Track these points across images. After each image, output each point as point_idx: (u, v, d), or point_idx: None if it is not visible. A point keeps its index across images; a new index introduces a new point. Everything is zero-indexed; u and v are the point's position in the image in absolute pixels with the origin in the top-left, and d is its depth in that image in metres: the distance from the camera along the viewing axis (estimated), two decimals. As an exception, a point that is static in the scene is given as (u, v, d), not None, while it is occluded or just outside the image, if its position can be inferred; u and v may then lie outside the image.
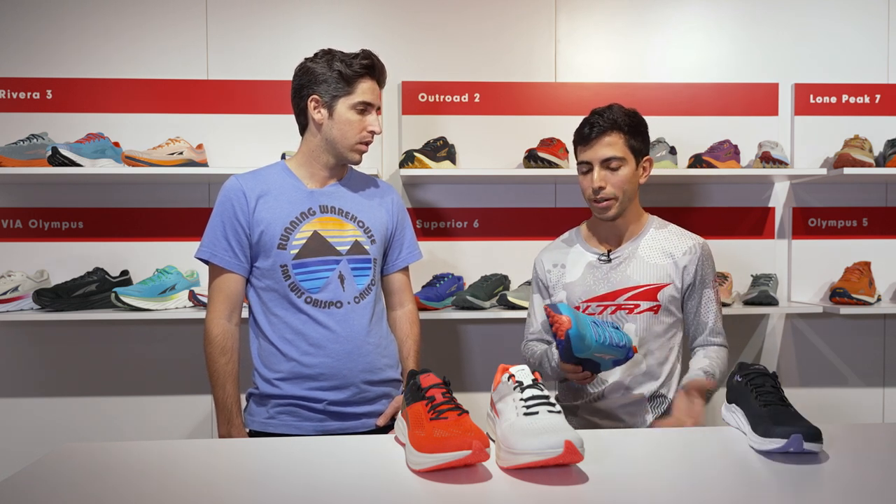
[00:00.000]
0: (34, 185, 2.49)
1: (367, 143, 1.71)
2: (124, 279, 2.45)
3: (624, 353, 1.51)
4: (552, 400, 1.17)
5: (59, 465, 1.16)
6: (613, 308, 1.72)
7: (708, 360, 1.71)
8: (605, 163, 1.70)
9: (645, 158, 1.77)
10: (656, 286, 1.72)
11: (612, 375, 1.71)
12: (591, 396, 1.74)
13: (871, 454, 1.23)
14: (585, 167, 1.74)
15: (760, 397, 1.27)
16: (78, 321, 2.50)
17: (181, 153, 2.34)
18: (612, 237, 1.79)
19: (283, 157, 2.29)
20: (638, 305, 1.71)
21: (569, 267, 1.81)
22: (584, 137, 1.73)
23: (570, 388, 1.80)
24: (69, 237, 2.51)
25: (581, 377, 1.56)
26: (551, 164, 2.38)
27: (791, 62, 2.65)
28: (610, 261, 1.76)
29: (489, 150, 2.57)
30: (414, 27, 2.59)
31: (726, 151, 2.46)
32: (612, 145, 1.70)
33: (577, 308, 1.76)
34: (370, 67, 1.68)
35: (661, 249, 1.75)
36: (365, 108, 1.68)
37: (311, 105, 1.68)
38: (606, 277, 1.75)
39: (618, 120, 1.70)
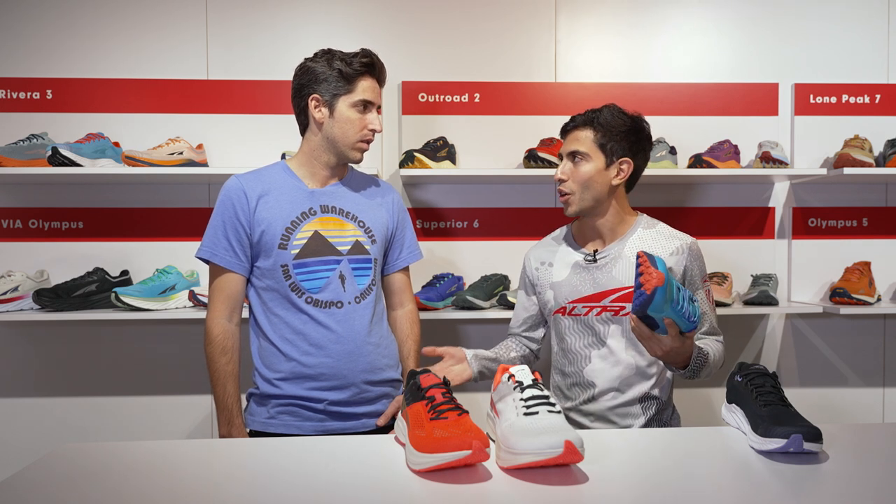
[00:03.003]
0: (34, 185, 2.49)
1: (368, 142, 1.72)
2: (124, 279, 2.45)
3: (689, 328, 1.45)
4: (552, 400, 1.17)
5: (59, 465, 1.16)
6: (599, 310, 1.71)
7: (702, 343, 1.67)
8: (571, 156, 1.72)
9: (622, 160, 1.71)
10: None
11: (602, 378, 1.71)
12: (582, 399, 1.73)
13: (871, 454, 1.23)
14: (560, 159, 1.77)
15: (760, 397, 1.27)
16: (78, 321, 2.50)
17: (181, 153, 2.34)
18: (594, 237, 1.78)
19: (283, 157, 2.29)
20: (623, 307, 1.69)
21: (556, 266, 1.80)
22: (562, 130, 1.79)
23: (561, 391, 1.79)
24: (69, 237, 2.51)
25: (644, 332, 1.46)
26: (551, 164, 2.38)
27: (791, 62, 2.65)
28: (596, 261, 1.74)
29: (489, 150, 2.57)
30: (414, 27, 2.59)
31: (726, 151, 2.46)
32: (578, 140, 1.72)
33: (564, 309, 1.75)
34: (370, 65, 1.68)
35: (647, 250, 1.73)
36: (365, 106, 1.68)
37: (311, 104, 1.68)
38: (592, 278, 1.73)
39: (596, 118, 1.71)
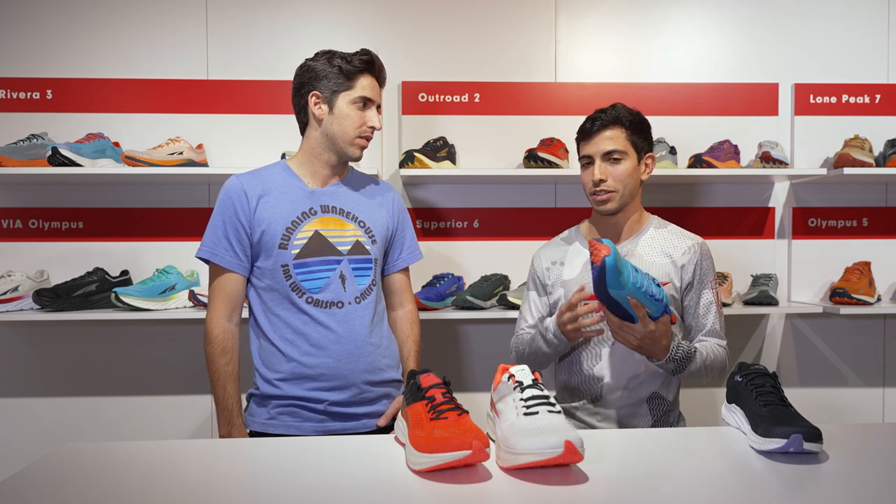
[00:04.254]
0: (34, 185, 2.49)
1: (367, 139, 1.72)
2: (124, 279, 2.45)
3: (658, 309, 1.46)
4: (552, 400, 1.17)
5: (59, 465, 1.16)
6: None
7: (699, 343, 1.69)
8: (607, 156, 1.71)
9: (647, 155, 1.77)
10: None
11: (610, 376, 1.71)
12: (589, 397, 1.74)
13: (871, 454, 1.23)
14: (587, 161, 1.75)
15: (760, 397, 1.27)
16: (78, 321, 2.50)
17: (181, 153, 2.34)
18: (611, 235, 1.79)
19: (283, 157, 2.29)
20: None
21: (567, 264, 1.80)
22: (585, 132, 1.76)
23: (568, 389, 1.79)
24: (69, 237, 2.51)
25: (614, 321, 1.48)
26: (551, 164, 2.38)
27: (791, 62, 2.65)
28: None
29: (489, 150, 2.57)
30: (414, 27, 2.59)
31: (726, 151, 2.46)
32: (613, 139, 1.71)
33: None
34: (370, 63, 1.69)
35: (659, 249, 1.75)
36: (365, 103, 1.69)
37: (311, 101, 1.68)
38: None
39: (620, 116, 1.72)
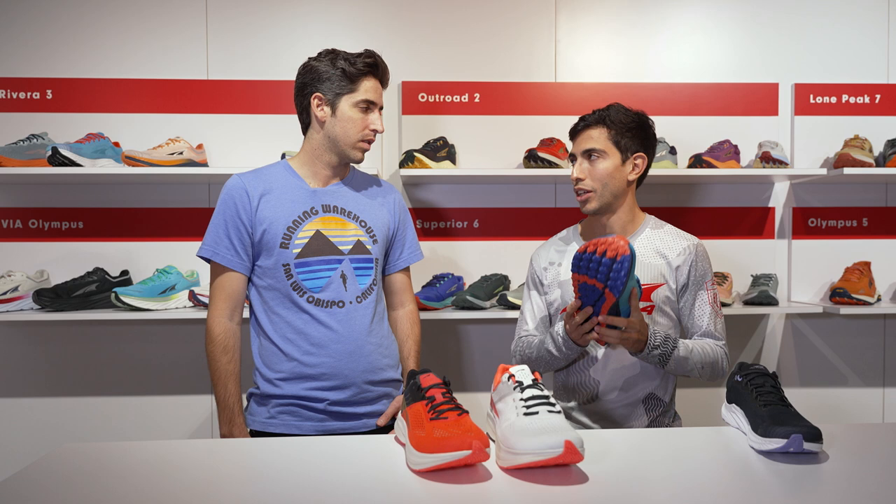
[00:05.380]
0: (34, 185, 2.49)
1: (370, 142, 1.72)
2: (124, 279, 2.45)
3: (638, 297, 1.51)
4: (552, 400, 1.17)
5: (59, 465, 1.16)
6: None
7: (690, 341, 1.68)
8: (586, 154, 1.73)
9: (636, 155, 1.74)
10: (650, 286, 1.71)
11: (607, 376, 1.71)
12: (586, 398, 1.74)
13: (871, 454, 1.23)
14: (573, 159, 1.77)
15: (760, 397, 1.27)
16: (78, 321, 2.50)
17: (181, 153, 2.34)
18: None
19: (283, 156, 2.29)
20: None
21: (564, 265, 1.80)
22: (572, 131, 1.79)
23: (565, 390, 1.79)
24: (69, 237, 2.51)
25: (609, 335, 1.53)
26: (551, 164, 2.38)
27: (791, 62, 2.65)
28: None
29: (489, 150, 2.57)
30: (414, 27, 2.59)
31: (726, 151, 2.47)
32: (593, 138, 1.72)
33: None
34: (373, 66, 1.68)
35: (655, 250, 1.74)
36: (368, 106, 1.69)
37: (314, 103, 1.68)
38: None
39: (607, 116, 1.73)
